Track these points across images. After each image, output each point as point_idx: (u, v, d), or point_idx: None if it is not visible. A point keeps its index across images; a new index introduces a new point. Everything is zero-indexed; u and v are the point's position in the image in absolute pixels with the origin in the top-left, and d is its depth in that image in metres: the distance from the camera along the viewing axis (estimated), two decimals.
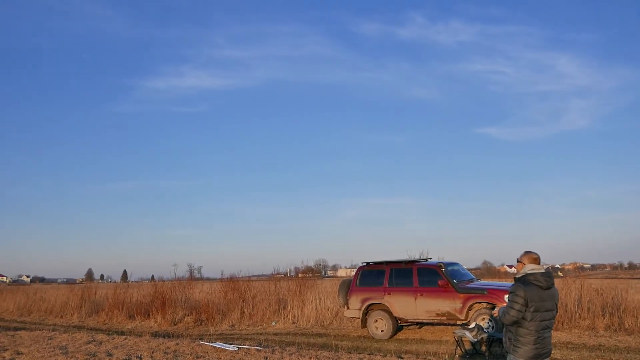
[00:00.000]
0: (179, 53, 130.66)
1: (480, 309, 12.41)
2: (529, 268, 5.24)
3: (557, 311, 5.33)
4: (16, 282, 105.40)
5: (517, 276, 5.35)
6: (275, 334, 15.55)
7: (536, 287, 5.11)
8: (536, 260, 5.33)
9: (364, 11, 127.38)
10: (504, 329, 5.36)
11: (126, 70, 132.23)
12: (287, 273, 27.18)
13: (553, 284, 5.24)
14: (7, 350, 12.11)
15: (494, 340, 10.80)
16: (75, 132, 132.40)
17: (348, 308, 14.70)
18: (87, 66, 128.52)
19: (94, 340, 13.55)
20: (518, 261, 5.43)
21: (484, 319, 12.15)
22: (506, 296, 12.02)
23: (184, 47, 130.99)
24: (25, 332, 16.19)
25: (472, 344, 10.65)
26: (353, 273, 16.26)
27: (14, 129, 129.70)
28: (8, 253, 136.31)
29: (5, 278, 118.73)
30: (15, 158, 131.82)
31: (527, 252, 5.41)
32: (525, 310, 5.06)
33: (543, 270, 5.23)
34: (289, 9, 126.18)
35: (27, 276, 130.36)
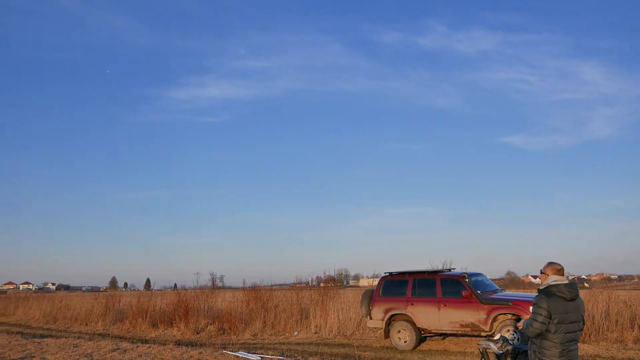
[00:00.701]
0: (201, 64, 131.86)
1: (505, 320, 12.25)
2: (553, 279, 5.17)
3: (584, 323, 5.24)
4: (42, 290, 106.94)
5: (540, 287, 5.27)
6: (298, 344, 15.53)
7: (560, 299, 5.03)
8: (560, 271, 5.25)
9: (384, 20, 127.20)
10: (529, 342, 5.28)
11: (149, 81, 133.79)
12: (309, 282, 27.13)
13: (578, 295, 5.14)
14: (34, 357, 12.32)
15: (519, 353, 10.63)
16: (99, 143, 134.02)
17: (371, 318, 14.63)
18: (110, 78, 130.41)
19: (119, 348, 13.70)
20: (541, 272, 5.36)
21: (509, 330, 11.98)
22: (531, 307, 11.90)
23: (206, 57, 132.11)
24: (52, 340, 16.43)
25: (497, 356, 10.48)
26: (375, 283, 16.20)
27: (40, 139, 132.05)
28: (34, 261, 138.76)
29: (31, 285, 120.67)
30: (41, 169, 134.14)
31: (550, 263, 5.34)
32: (549, 322, 4.98)
33: (567, 282, 5.15)
34: (309, 19, 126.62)
35: (53, 284, 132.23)
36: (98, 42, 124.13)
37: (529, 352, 5.29)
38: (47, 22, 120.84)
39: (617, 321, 13.71)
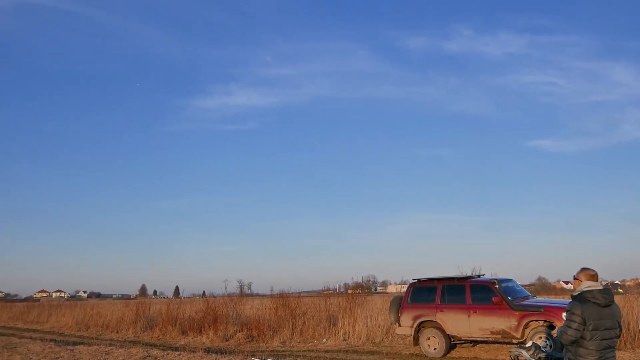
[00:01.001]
0: (227, 72, 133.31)
1: (537, 327, 12.04)
2: (586, 285, 5.07)
3: (620, 330, 5.12)
4: (74, 298, 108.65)
5: (574, 294, 5.18)
6: (327, 351, 15.49)
7: (594, 305, 4.93)
8: (593, 277, 5.15)
9: (410, 26, 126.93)
10: (564, 349, 5.18)
11: (176, 90, 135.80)
12: (336, 289, 27.09)
13: (613, 301, 5.04)
14: None
15: None
16: (128, 152, 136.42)
17: (399, 325, 14.52)
18: (138, 88, 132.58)
19: (149, 356, 13.84)
20: (575, 278, 5.26)
21: (541, 337, 11.78)
22: (564, 314, 11.67)
23: (233, 66, 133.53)
24: (84, 347, 16.68)
25: None
26: (403, 289, 16.09)
27: (70, 149, 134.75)
28: (66, 269, 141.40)
29: (63, 294, 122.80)
30: (72, 178, 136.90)
31: (583, 269, 5.24)
32: (584, 329, 4.88)
33: (601, 287, 5.05)
34: (334, 26, 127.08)
35: (84, 292, 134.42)
36: (125, 53, 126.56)
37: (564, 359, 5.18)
38: (77, 34, 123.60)
39: None
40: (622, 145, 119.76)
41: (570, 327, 4.92)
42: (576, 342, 4.94)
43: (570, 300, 5.22)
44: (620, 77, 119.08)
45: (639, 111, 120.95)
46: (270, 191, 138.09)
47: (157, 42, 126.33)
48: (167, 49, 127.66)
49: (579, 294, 5.09)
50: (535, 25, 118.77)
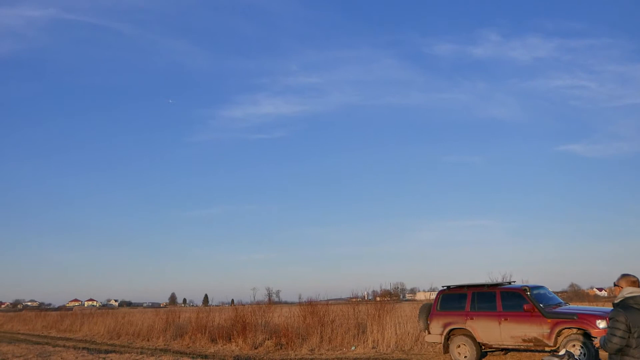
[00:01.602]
0: (254, 82, 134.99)
1: (570, 335, 11.80)
2: (628, 291, 4.96)
3: None
4: (105, 306, 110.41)
5: (615, 301, 5.06)
6: (355, 359, 15.41)
7: (638, 311, 4.81)
8: (635, 282, 5.03)
9: (436, 32, 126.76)
10: (609, 358, 5.05)
11: (204, 101, 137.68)
12: (364, 297, 26.97)
13: None
14: None
15: None
16: (158, 163, 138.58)
17: (429, 333, 14.38)
18: (167, 98, 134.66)
19: None
20: (615, 285, 5.14)
21: (574, 345, 11.53)
22: (599, 321, 11.43)
23: (259, 76, 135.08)
24: (115, 355, 16.90)
25: None
26: (432, 296, 15.94)
27: (102, 162, 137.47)
28: (98, 279, 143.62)
29: (95, 302, 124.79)
30: (103, 190, 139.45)
31: (624, 275, 5.12)
32: (629, 337, 4.76)
33: None
34: (360, 34, 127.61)
35: (115, 300, 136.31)
36: (154, 66, 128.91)
37: None
38: (105, 48, 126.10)
39: None
40: None
41: (615, 335, 4.80)
42: (621, 351, 4.81)
43: (612, 307, 5.09)
44: None
45: None
46: (298, 199, 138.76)
47: (184, 54, 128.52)
48: (194, 61, 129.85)
49: (621, 300, 4.98)
50: (564, 29, 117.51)
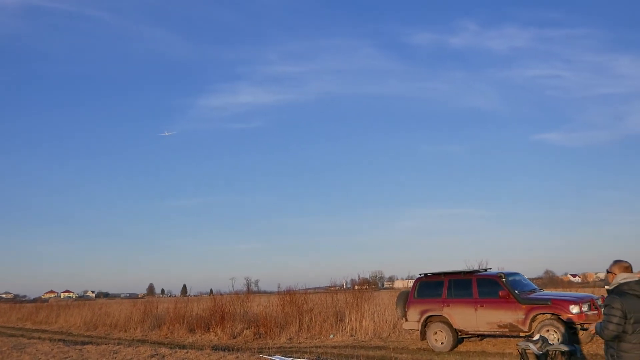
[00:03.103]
0: (233, 71, 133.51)
1: (544, 320, 12.01)
2: (622, 277, 4.95)
3: None
4: (82, 298, 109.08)
5: (609, 288, 5.04)
6: (334, 347, 15.50)
7: (633, 297, 4.82)
8: (628, 268, 5.02)
9: (415, 22, 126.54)
10: (605, 346, 5.05)
11: (183, 89, 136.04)
12: (343, 285, 27.08)
13: None
14: None
15: (559, 353, 10.42)
16: (135, 152, 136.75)
17: (406, 320, 14.51)
18: (145, 89, 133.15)
19: (157, 354, 13.90)
20: (608, 272, 5.13)
21: (548, 330, 11.75)
22: (572, 307, 11.65)
23: (239, 64, 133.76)
24: (92, 347, 16.77)
25: (537, 356, 10.30)
26: (410, 284, 16.08)
27: (77, 150, 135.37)
28: (74, 269, 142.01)
29: (72, 294, 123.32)
30: (79, 179, 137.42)
31: (617, 261, 5.11)
32: (625, 323, 4.76)
33: (637, 278, 4.95)
34: (339, 24, 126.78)
35: (92, 292, 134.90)
36: (132, 53, 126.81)
37: (605, 356, 5.06)
38: (82, 36, 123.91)
39: None
40: (630, 138, 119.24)
41: (611, 322, 4.80)
42: (618, 337, 4.82)
43: (607, 294, 5.08)
44: (626, 69, 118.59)
45: None
46: (276, 188, 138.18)
47: (163, 41, 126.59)
48: (172, 49, 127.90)
49: (615, 286, 4.97)
50: (540, 19, 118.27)
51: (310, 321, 19.03)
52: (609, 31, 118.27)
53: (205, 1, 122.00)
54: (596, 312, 11.75)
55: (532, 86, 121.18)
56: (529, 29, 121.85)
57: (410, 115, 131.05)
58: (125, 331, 24.41)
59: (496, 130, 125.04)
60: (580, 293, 14.37)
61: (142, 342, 19.41)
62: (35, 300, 75.82)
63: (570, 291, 17.39)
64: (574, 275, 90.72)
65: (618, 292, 4.92)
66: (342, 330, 17.94)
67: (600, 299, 12.51)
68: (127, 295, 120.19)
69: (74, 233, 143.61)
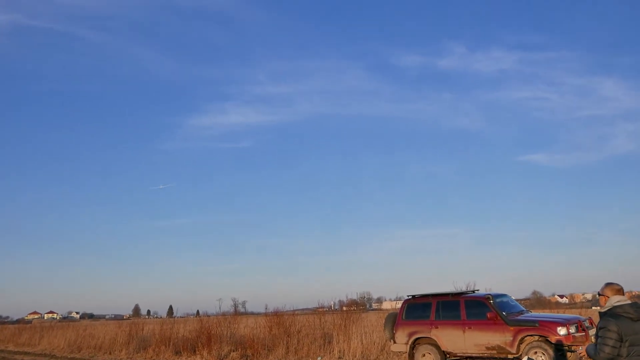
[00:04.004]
0: (222, 91, 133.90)
1: (532, 342, 12.00)
2: (615, 300, 4.93)
3: None
4: (66, 319, 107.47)
5: (602, 310, 5.03)
6: None
7: (627, 320, 4.78)
8: (620, 291, 5.00)
9: (403, 43, 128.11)
10: None
11: (172, 109, 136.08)
12: (331, 306, 26.93)
13: None
14: None
15: None
16: (123, 171, 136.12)
17: (395, 342, 14.43)
18: (135, 106, 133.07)
19: None
20: (600, 294, 5.12)
21: (536, 352, 11.73)
22: (559, 328, 11.66)
23: (228, 84, 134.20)
24: None
25: None
26: (398, 306, 16.02)
27: (62, 168, 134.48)
28: (58, 290, 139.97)
29: (55, 315, 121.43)
30: (64, 197, 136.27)
31: (609, 284, 5.09)
32: (621, 346, 4.72)
33: (630, 301, 4.93)
34: (328, 45, 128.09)
35: (77, 312, 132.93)
36: (121, 73, 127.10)
37: None
38: (71, 55, 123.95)
39: None
40: (614, 159, 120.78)
41: (607, 345, 4.74)
42: None
43: (600, 317, 5.07)
44: (610, 92, 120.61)
45: (630, 125, 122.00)
46: (264, 209, 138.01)
47: (152, 61, 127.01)
48: (162, 68, 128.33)
49: (609, 309, 4.94)
50: (526, 42, 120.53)
51: (297, 343, 18.86)
52: (592, 55, 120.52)
53: (194, 21, 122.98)
54: (584, 333, 11.78)
55: (518, 108, 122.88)
56: (515, 52, 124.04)
57: (398, 136, 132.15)
58: (110, 353, 24.04)
59: (483, 151, 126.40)
60: (568, 315, 14.40)
61: None
62: (18, 322, 74.33)
63: (558, 312, 17.42)
64: (561, 296, 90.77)
65: (612, 314, 4.88)
66: (329, 353, 17.79)
67: (587, 321, 12.54)
68: (112, 316, 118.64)
69: (59, 252, 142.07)
